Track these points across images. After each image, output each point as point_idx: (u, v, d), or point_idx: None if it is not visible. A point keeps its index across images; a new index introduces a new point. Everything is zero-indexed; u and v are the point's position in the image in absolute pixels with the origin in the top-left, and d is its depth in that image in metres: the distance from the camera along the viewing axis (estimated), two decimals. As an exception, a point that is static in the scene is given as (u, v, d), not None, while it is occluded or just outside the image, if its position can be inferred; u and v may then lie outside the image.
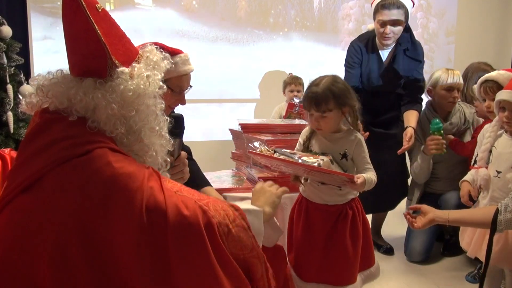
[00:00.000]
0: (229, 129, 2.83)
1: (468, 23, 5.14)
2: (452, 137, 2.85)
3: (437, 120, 2.65)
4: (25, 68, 3.50)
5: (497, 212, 1.75)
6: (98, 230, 1.03)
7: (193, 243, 1.10)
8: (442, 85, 2.82)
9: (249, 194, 2.28)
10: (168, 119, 1.29)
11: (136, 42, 1.36)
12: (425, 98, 2.99)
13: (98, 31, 1.09)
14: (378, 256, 3.01)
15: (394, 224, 3.45)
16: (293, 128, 2.64)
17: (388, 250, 3.08)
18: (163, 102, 1.24)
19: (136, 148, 1.18)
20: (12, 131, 3.11)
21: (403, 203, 3.19)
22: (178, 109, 2.10)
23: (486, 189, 2.18)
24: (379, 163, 2.20)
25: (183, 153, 1.51)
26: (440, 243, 3.09)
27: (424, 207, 1.93)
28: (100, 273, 1.03)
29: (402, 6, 2.66)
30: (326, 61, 4.72)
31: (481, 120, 2.91)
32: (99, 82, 1.13)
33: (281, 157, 1.82)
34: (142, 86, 1.15)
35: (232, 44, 4.48)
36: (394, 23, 2.67)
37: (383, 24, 2.69)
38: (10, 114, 3.09)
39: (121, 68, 1.14)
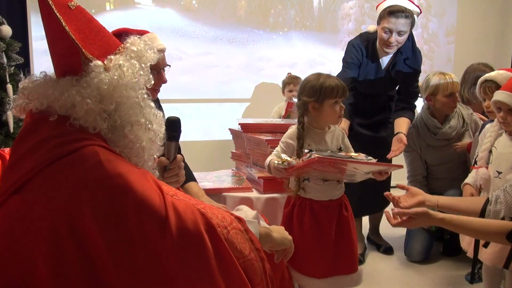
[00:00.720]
0: (229, 129, 2.83)
1: (468, 23, 5.14)
2: (467, 142, 2.83)
3: None
4: (25, 67, 3.50)
5: (487, 202, 1.73)
6: (87, 231, 1.02)
7: (193, 249, 1.08)
8: (444, 91, 2.79)
9: (249, 194, 2.30)
10: (162, 114, 1.26)
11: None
12: (419, 101, 2.97)
13: (66, 28, 1.08)
14: (378, 255, 3.01)
15: (394, 224, 3.45)
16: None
17: (388, 250, 3.08)
18: (148, 92, 1.21)
19: (122, 145, 1.15)
20: (12, 130, 3.11)
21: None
22: (179, 110, 2.10)
23: (486, 189, 2.18)
24: None
25: (179, 157, 1.50)
26: (440, 243, 3.09)
27: (413, 189, 1.86)
28: (91, 275, 1.03)
29: (410, 16, 2.57)
30: (326, 60, 4.73)
31: (478, 120, 2.91)
32: (76, 79, 1.11)
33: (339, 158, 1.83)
34: (115, 77, 1.12)
35: (232, 43, 4.48)
36: (400, 32, 2.58)
37: (389, 31, 2.58)
38: (10, 114, 3.09)
39: (95, 62, 1.12)
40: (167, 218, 1.06)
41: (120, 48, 1.20)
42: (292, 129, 2.05)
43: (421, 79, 2.97)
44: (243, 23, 4.50)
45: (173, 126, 1.46)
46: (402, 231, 3.10)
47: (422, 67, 4.93)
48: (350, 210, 2.08)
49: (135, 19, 4.07)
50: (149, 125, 1.19)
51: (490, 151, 2.20)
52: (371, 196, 2.71)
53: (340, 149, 2.02)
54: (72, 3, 1.13)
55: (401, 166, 1.95)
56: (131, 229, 1.03)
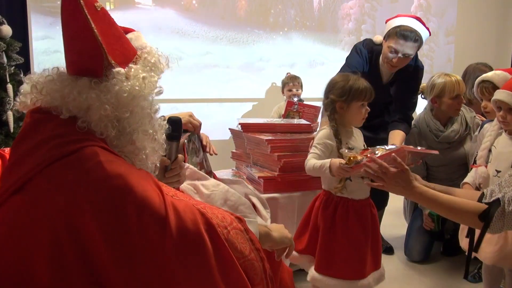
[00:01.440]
0: (229, 129, 2.83)
1: (468, 23, 5.15)
2: None
3: None
4: (25, 67, 3.50)
5: (482, 196, 1.71)
6: (87, 232, 1.02)
7: (193, 249, 1.08)
8: (450, 93, 2.77)
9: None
10: (166, 124, 1.28)
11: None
12: (421, 101, 2.97)
13: (95, 30, 1.08)
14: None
15: (394, 224, 3.45)
16: (292, 128, 2.64)
17: (388, 250, 3.08)
18: (158, 104, 1.23)
19: (126, 150, 1.16)
20: (12, 130, 3.11)
21: (399, 202, 3.19)
22: (179, 110, 2.11)
23: (485, 188, 2.18)
24: None
25: (180, 157, 1.50)
26: (440, 243, 3.09)
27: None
28: (91, 276, 1.03)
29: (419, 40, 2.52)
30: (326, 60, 4.73)
31: (480, 122, 2.90)
32: (94, 81, 1.11)
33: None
34: (137, 88, 1.14)
35: (232, 43, 4.48)
36: (406, 55, 2.53)
37: (395, 52, 2.53)
38: (10, 114, 3.09)
39: (117, 69, 1.13)
40: (167, 218, 1.06)
41: (137, 56, 1.21)
42: (326, 130, 2.03)
43: (426, 79, 2.95)
44: (243, 23, 4.50)
45: (174, 126, 1.46)
46: (402, 231, 3.11)
47: (422, 67, 4.90)
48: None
49: (135, 19, 4.07)
50: (156, 136, 1.21)
51: (490, 150, 2.20)
52: (370, 195, 2.71)
53: (365, 146, 2.07)
54: (98, 4, 1.13)
55: (437, 152, 1.99)
56: (131, 229, 1.03)
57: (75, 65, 1.15)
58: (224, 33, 4.45)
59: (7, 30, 3.19)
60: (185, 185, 1.75)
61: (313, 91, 4.62)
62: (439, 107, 2.82)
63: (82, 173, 1.04)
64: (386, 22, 2.69)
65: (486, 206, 1.57)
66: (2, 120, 3.10)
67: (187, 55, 4.27)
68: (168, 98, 2.88)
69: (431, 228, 2.69)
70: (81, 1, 1.07)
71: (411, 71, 2.70)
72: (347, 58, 2.80)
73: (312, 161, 2.00)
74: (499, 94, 2.07)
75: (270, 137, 2.40)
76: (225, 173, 2.69)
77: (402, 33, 2.48)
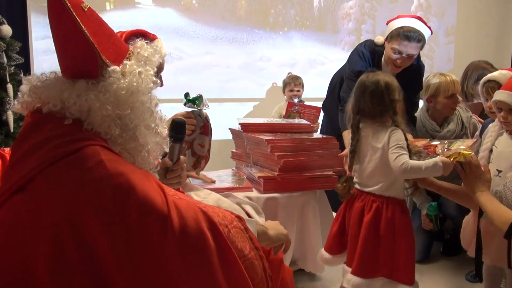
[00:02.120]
0: (229, 129, 2.83)
1: (468, 23, 5.14)
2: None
3: (435, 206, 2.57)
4: (25, 67, 3.50)
5: None
6: (89, 231, 1.02)
7: (195, 248, 1.08)
8: (445, 92, 2.78)
9: (250, 194, 2.30)
10: (165, 116, 1.28)
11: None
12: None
13: (85, 32, 1.08)
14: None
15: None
16: (292, 128, 2.64)
17: None
18: (157, 98, 1.23)
19: (129, 147, 1.16)
20: (12, 130, 3.11)
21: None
22: (179, 110, 2.10)
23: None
24: None
25: (182, 158, 1.51)
26: (440, 243, 3.10)
27: None
28: (93, 274, 1.03)
29: (422, 40, 2.54)
30: (326, 60, 4.73)
31: (477, 123, 2.90)
32: (91, 83, 1.11)
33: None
34: (135, 84, 1.14)
35: (232, 43, 4.48)
36: (409, 55, 2.55)
37: (398, 53, 2.54)
38: (10, 113, 3.09)
39: (112, 67, 1.13)
40: (168, 216, 1.06)
41: (130, 52, 1.21)
42: (400, 132, 1.94)
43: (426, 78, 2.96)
44: (243, 23, 4.50)
45: (178, 128, 1.47)
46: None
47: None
48: None
49: (135, 18, 4.07)
50: (158, 129, 1.22)
51: (491, 150, 2.21)
52: None
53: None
54: (84, 4, 1.13)
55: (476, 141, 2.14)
56: (133, 228, 1.03)
57: (70, 69, 1.15)
58: (224, 33, 4.45)
59: (7, 30, 3.19)
60: None
61: (313, 91, 4.63)
62: (435, 106, 2.83)
63: (83, 173, 1.04)
64: (387, 24, 2.69)
65: None
66: (2, 120, 3.10)
67: (187, 55, 4.27)
68: (168, 98, 2.87)
69: (430, 228, 2.69)
70: (68, 3, 1.07)
71: (414, 71, 2.71)
72: (349, 62, 2.78)
73: (414, 162, 1.88)
74: (499, 95, 2.07)
75: (270, 137, 2.40)
76: (225, 173, 2.69)
77: (406, 34, 2.49)
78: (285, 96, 4.04)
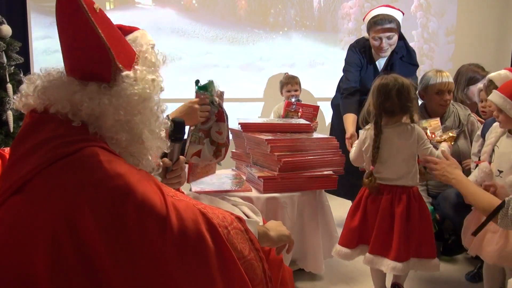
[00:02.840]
0: (229, 128, 2.82)
1: (468, 23, 5.15)
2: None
3: (432, 211, 2.64)
4: (25, 67, 3.50)
5: (502, 204, 1.76)
6: (87, 232, 1.01)
7: (194, 249, 1.08)
8: (433, 88, 2.80)
9: (249, 194, 2.30)
10: (168, 122, 1.28)
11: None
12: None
13: (101, 35, 1.06)
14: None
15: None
16: (292, 128, 2.64)
17: None
18: (165, 105, 1.24)
19: (134, 150, 1.16)
20: (12, 130, 3.11)
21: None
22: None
23: (487, 187, 2.19)
24: None
25: (182, 158, 1.51)
26: (440, 243, 3.09)
27: None
28: (91, 275, 1.02)
29: (393, 20, 2.84)
30: (326, 60, 4.73)
31: (476, 121, 2.90)
32: (104, 86, 1.10)
33: None
34: (148, 91, 1.14)
35: (232, 43, 4.48)
36: (389, 36, 2.85)
37: (378, 38, 2.87)
38: (10, 113, 3.09)
39: (126, 72, 1.12)
40: (167, 218, 1.06)
41: (137, 57, 1.21)
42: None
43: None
44: (243, 23, 4.50)
45: (178, 128, 1.47)
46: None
47: (422, 67, 4.94)
48: None
49: (135, 18, 4.07)
50: (161, 134, 1.22)
51: (493, 150, 2.22)
52: None
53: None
54: (96, 5, 1.10)
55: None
56: (131, 229, 1.03)
57: (80, 70, 1.12)
58: (224, 33, 4.45)
59: (7, 29, 3.19)
60: None
61: (313, 91, 4.63)
62: (427, 102, 2.86)
63: (82, 174, 1.04)
64: (363, 20, 3.04)
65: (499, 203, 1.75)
66: (2, 119, 3.10)
67: (187, 55, 4.27)
68: (168, 98, 2.87)
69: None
70: (84, 4, 1.05)
71: (404, 54, 2.99)
72: (345, 57, 3.11)
73: (438, 152, 2.19)
74: (491, 96, 2.11)
75: (270, 137, 2.40)
76: (225, 174, 2.69)
77: (376, 21, 2.86)
78: (283, 96, 4.03)
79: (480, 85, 2.89)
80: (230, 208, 1.79)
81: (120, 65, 1.12)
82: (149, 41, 1.83)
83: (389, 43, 2.87)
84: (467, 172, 2.56)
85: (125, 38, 1.22)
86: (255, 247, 1.22)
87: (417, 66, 3.06)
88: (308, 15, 4.70)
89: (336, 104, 3.24)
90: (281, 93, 4.02)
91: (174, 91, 4.00)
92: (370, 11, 2.98)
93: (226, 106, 2.01)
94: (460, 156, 2.83)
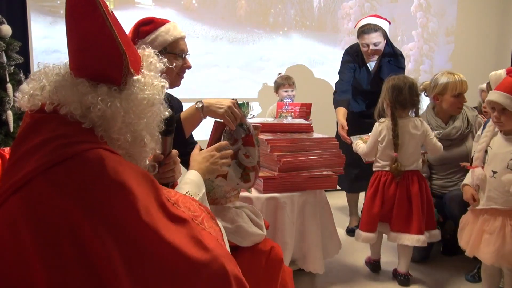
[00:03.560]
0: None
1: (468, 23, 5.15)
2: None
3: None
4: (25, 67, 3.50)
5: None
6: (87, 235, 1.01)
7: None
8: (452, 91, 2.77)
9: (249, 194, 2.30)
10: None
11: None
12: (425, 99, 2.99)
13: (118, 38, 1.06)
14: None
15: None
16: (292, 128, 2.64)
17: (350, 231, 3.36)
18: (169, 110, 1.25)
19: (134, 152, 1.16)
20: (11, 130, 3.11)
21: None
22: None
23: (483, 189, 2.20)
24: None
25: (174, 151, 1.49)
26: (440, 243, 3.09)
27: None
28: (92, 278, 1.02)
29: (379, 29, 3.20)
30: (326, 60, 4.73)
31: (483, 122, 2.90)
32: (114, 89, 1.10)
33: None
34: (157, 97, 1.16)
35: (232, 43, 4.48)
36: (375, 43, 3.20)
37: (366, 45, 3.23)
38: (9, 113, 3.09)
39: (137, 77, 1.13)
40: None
41: (142, 61, 1.21)
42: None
43: (426, 78, 2.98)
44: (243, 23, 4.50)
45: (168, 120, 1.46)
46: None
47: (422, 67, 4.95)
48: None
49: (135, 19, 4.04)
50: (159, 137, 1.23)
51: (486, 151, 2.22)
52: (368, 173, 2.80)
53: None
54: (110, 8, 1.11)
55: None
56: (131, 234, 1.03)
57: (89, 70, 1.11)
58: (224, 32, 4.45)
59: (7, 29, 3.19)
60: None
61: (313, 91, 4.62)
62: (441, 104, 2.83)
63: (84, 177, 1.03)
64: (355, 28, 3.40)
65: None
66: (1, 119, 3.10)
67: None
68: (168, 98, 2.87)
69: None
70: (101, 4, 1.05)
71: (391, 56, 3.34)
72: (339, 72, 3.49)
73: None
74: (491, 95, 2.10)
75: (270, 137, 2.40)
76: (194, 182, 2.66)
77: (362, 30, 3.23)
78: (278, 97, 3.93)
79: (482, 85, 2.90)
80: (234, 212, 1.77)
81: (132, 70, 1.12)
82: (180, 33, 1.93)
83: (376, 49, 3.21)
84: None
85: (131, 41, 1.22)
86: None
87: (403, 69, 3.36)
88: (308, 15, 4.70)
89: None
90: (276, 93, 3.94)
91: (174, 91, 4.00)
92: (360, 20, 3.35)
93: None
94: (468, 157, 2.83)
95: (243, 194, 2.30)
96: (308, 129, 2.65)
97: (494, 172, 2.13)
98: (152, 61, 1.22)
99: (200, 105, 1.77)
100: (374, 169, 2.67)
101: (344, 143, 3.01)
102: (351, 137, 2.98)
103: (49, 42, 3.88)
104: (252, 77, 4.55)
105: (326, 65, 4.70)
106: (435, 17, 5.07)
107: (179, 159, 1.52)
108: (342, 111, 3.23)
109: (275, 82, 3.96)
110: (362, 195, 3.17)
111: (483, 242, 2.16)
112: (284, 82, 3.86)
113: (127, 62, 1.10)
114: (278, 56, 4.59)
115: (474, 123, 2.91)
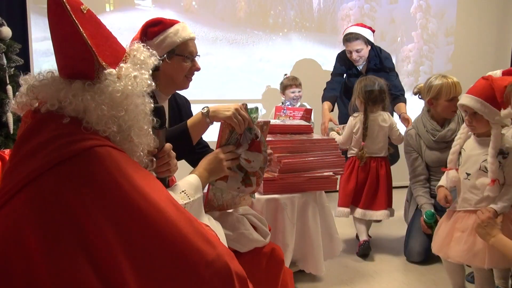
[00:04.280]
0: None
1: (468, 24, 5.15)
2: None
3: (431, 214, 2.71)
4: (25, 69, 3.50)
5: None
6: (92, 232, 1.02)
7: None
8: (447, 95, 2.77)
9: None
10: (154, 119, 1.29)
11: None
12: (415, 101, 3.00)
13: (83, 34, 1.10)
14: (377, 256, 3.01)
15: (394, 224, 3.45)
16: (292, 129, 2.64)
17: None
18: (151, 101, 1.25)
19: (126, 148, 1.18)
20: (12, 132, 3.12)
21: (400, 203, 3.20)
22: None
23: (457, 191, 2.21)
24: None
25: (167, 145, 1.49)
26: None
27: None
28: (98, 276, 1.03)
29: (360, 37, 3.50)
30: (326, 61, 4.73)
31: None
32: (88, 84, 1.14)
33: None
34: (130, 87, 1.16)
35: (231, 44, 4.49)
36: (357, 50, 3.52)
37: (350, 52, 3.57)
38: (10, 115, 3.10)
39: (108, 70, 1.15)
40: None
41: (127, 54, 1.23)
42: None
43: (426, 79, 2.97)
44: (242, 24, 4.50)
45: (158, 113, 1.45)
46: (402, 232, 3.11)
47: (421, 68, 4.95)
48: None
49: (135, 20, 4.07)
50: (150, 131, 1.24)
51: (460, 153, 2.23)
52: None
53: None
54: (84, 6, 1.15)
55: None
56: (133, 231, 1.04)
57: (67, 69, 1.17)
58: (223, 34, 4.45)
59: (7, 31, 3.19)
60: None
61: (313, 92, 4.63)
62: (435, 108, 2.83)
63: (92, 173, 1.06)
64: (343, 34, 3.70)
65: None
66: (2, 121, 3.11)
67: (186, 56, 4.26)
68: (168, 99, 2.87)
69: (429, 233, 2.72)
70: (67, 5, 1.09)
71: (376, 62, 3.63)
72: (331, 73, 3.84)
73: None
74: (463, 99, 2.11)
75: (270, 138, 2.40)
76: (193, 184, 2.66)
77: (346, 38, 3.57)
78: (283, 98, 3.98)
79: None
80: (236, 218, 1.76)
81: (104, 63, 1.14)
82: (189, 34, 1.94)
83: (358, 55, 3.54)
84: None
85: (113, 36, 1.23)
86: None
87: (386, 68, 3.62)
88: (307, 16, 4.71)
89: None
90: (283, 94, 3.97)
91: (174, 93, 4.00)
92: (345, 29, 3.70)
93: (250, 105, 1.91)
94: None
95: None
96: (308, 130, 2.65)
97: (468, 174, 2.15)
98: (135, 54, 1.24)
99: (206, 110, 1.76)
100: (349, 155, 3.13)
101: None
102: (328, 129, 3.44)
103: (49, 44, 3.84)
104: (252, 79, 4.56)
105: (325, 66, 4.70)
106: (435, 18, 5.07)
107: (174, 153, 1.51)
108: (327, 105, 3.64)
109: (281, 83, 3.99)
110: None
111: (454, 240, 2.16)
112: (291, 83, 3.89)
113: (96, 56, 1.13)
114: (278, 57, 4.60)
115: None
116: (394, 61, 3.83)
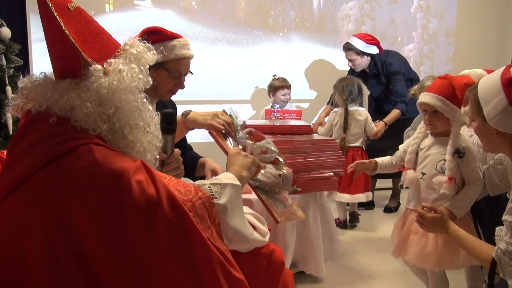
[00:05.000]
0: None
1: (468, 24, 5.14)
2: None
3: None
4: (25, 69, 3.49)
5: (494, 262, 1.63)
6: (82, 232, 1.02)
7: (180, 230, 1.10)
8: None
9: (249, 196, 2.29)
10: (157, 114, 1.27)
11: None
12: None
13: (65, 31, 1.08)
14: (378, 257, 3.00)
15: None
16: (292, 129, 2.63)
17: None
18: (146, 96, 1.22)
19: (122, 145, 1.16)
20: (11, 132, 3.11)
21: (402, 206, 3.19)
22: (179, 111, 2.09)
23: (416, 191, 2.19)
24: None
25: (177, 150, 1.49)
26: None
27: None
28: (87, 274, 1.03)
29: (351, 48, 3.76)
30: (326, 61, 4.72)
31: None
32: (75, 82, 1.12)
33: None
34: (115, 82, 1.13)
35: (231, 45, 4.48)
36: (351, 60, 3.82)
37: (348, 60, 3.86)
38: (9, 116, 3.09)
39: (94, 66, 1.12)
40: (159, 205, 1.07)
41: (119, 50, 1.20)
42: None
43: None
44: (242, 24, 4.50)
45: (168, 119, 1.44)
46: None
47: (422, 68, 4.94)
48: None
49: (135, 20, 4.07)
50: (147, 128, 1.20)
51: (417, 153, 2.21)
52: None
53: None
54: (72, 4, 1.13)
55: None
56: (126, 227, 1.04)
57: (58, 70, 1.16)
58: (223, 34, 4.44)
59: (6, 32, 3.19)
60: None
61: (313, 92, 4.62)
62: None
63: (76, 173, 1.04)
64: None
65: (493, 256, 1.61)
66: (1, 122, 3.10)
67: (186, 57, 4.25)
68: (167, 100, 2.86)
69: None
70: (51, 5, 1.08)
71: (374, 71, 3.87)
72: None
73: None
74: (422, 97, 2.08)
75: (270, 138, 2.39)
76: (225, 175, 2.67)
77: (343, 48, 3.86)
78: (273, 98, 3.84)
79: None
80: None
81: (89, 59, 1.12)
82: (185, 54, 1.95)
83: (354, 64, 3.82)
84: None
85: (106, 33, 1.21)
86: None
87: (391, 75, 3.80)
88: (308, 16, 4.70)
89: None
90: (270, 96, 3.85)
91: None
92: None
93: (226, 107, 1.96)
94: None
95: (243, 196, 2.29)
96: (309, 130, 2.65)
97: (423, 174, 2.13)
98: (128, 49, 1.21)
99: (186, 112, 1.76)
100: None
101: None
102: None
103: (48, 44, 3.88)
104: (252, 79, 4.55)
105: (326, 66, 4.70)
106: (435, 18, 5.06)
107: (181, 159, 1.51)
108: (326, 109, 3.87)
109: (271, 85, 3.85)
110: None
111: (409, 243, 2.14)
112: (282, 85, 3.77)
113: (80, 52, 1.11)
114: (278, 57, 4.59)
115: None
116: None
